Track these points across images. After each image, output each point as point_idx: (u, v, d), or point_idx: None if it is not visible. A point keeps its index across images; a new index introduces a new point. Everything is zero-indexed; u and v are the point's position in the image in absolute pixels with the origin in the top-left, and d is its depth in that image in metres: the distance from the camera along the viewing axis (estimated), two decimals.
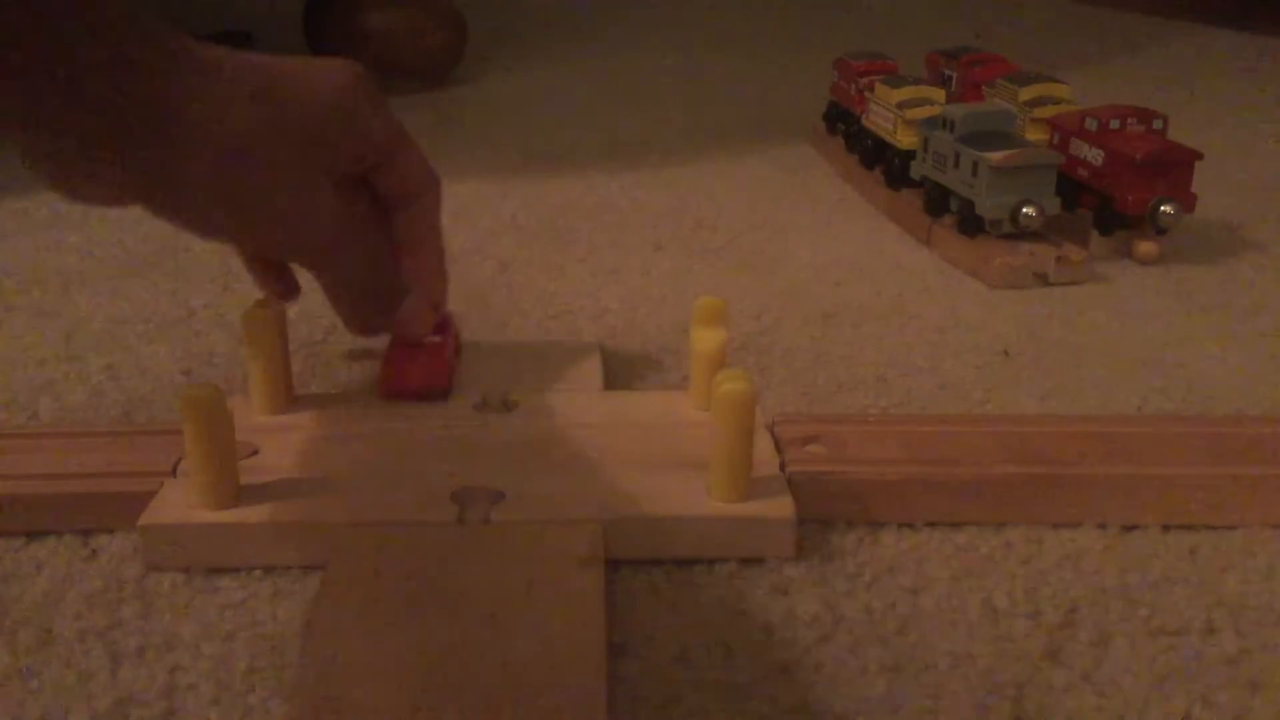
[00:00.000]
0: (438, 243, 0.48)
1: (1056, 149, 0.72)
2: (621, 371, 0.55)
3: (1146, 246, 0.70)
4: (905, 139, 0.77)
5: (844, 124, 0.89)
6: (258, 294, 0.50)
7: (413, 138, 0.46)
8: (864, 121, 0.84)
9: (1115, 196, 0.69)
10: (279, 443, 0.44)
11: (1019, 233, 0.68)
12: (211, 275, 0.66)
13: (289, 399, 0.47)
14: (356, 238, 0.45)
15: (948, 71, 0.88)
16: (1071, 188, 0.71)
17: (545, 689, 0.32)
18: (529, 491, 0.41)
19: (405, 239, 0.47)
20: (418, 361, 0.48)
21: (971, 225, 0.69)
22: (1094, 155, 0.70)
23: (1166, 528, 0.43)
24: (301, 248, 0.43)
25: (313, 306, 0.55)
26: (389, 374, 0.48)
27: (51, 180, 0.38)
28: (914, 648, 0.36)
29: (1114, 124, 0.71)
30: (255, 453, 0.43)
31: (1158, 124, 0.72)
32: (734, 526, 0.40)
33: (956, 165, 0.69)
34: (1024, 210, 0.67)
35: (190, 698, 0.34)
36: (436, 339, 0.49)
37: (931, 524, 0.43)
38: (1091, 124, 0.71)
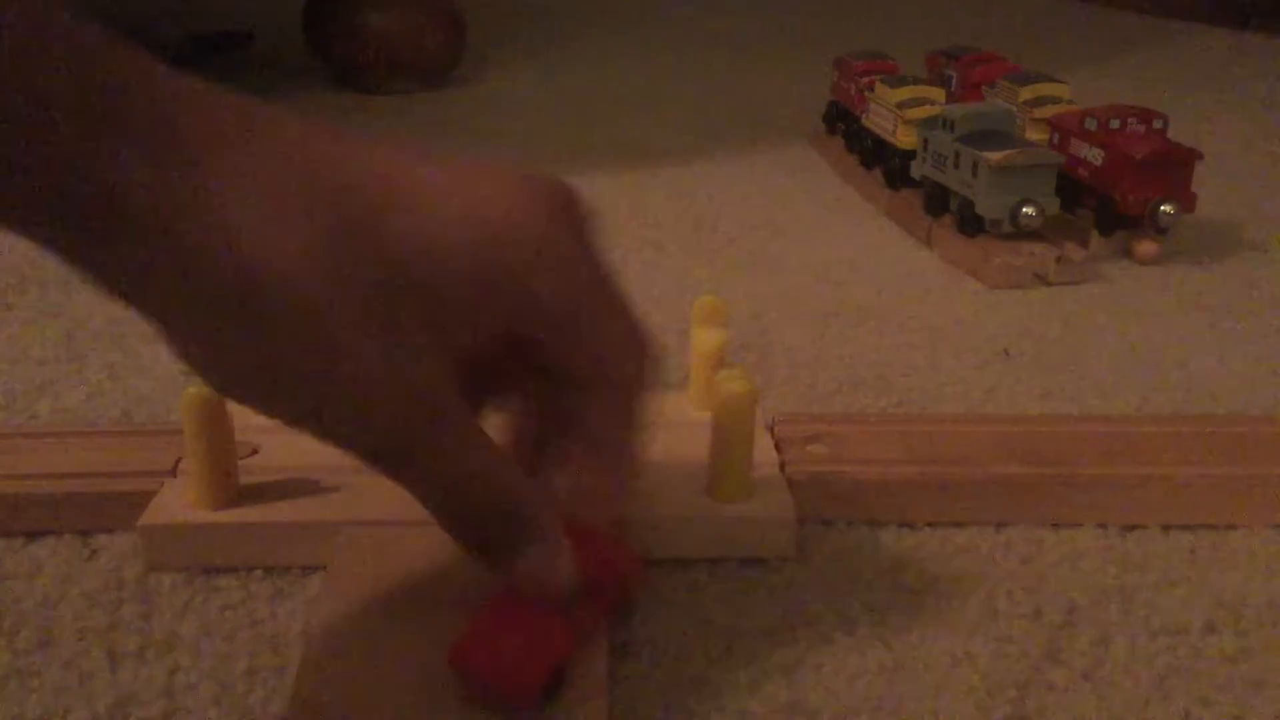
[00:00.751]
0: (626, 450, 0.33)
1: (1056, 149, 0.72)
2: None
3: (1146, 246, 0.70)
4: (905, 139, 0.77)
5: (844, 124, 0.89)
6: None
7: (623, 299, 0.31)
8: (864, 121, 0.84)
9: (1115, 196, 0.69)
10: (279, 442, 0.44)
11: (1019, 232, 0.68)
12: None
13: None
14: (463, 437, 0.30)
15: (948, 71, 0.88)
16: (1071, 187, 0.71)
17: None
18: None
19: (575, 433, 0.32)
20: (512, 640, 0.31)
21: (971, 225, 0.69)
22: (1094, 155, 0.70)
23: (1166, 528, 0.43)
24: (371, 448, 0.30)
25: None
26: (464, 639, 0.31)
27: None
28: (914, 648, 0.36)
29: (1114, 124, 0.71)
30: (255, 452, 0.43)
31: (1158, 124, 0.72)
32: (734, 526, 0.40)
33: (956, 165, 0.69)
34: (1024, 210, 0.67)
35: (190, 697, 0.34)
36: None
37: (932, 524, 0.43)
38: (1091, 124, 0.71)
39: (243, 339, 0.27)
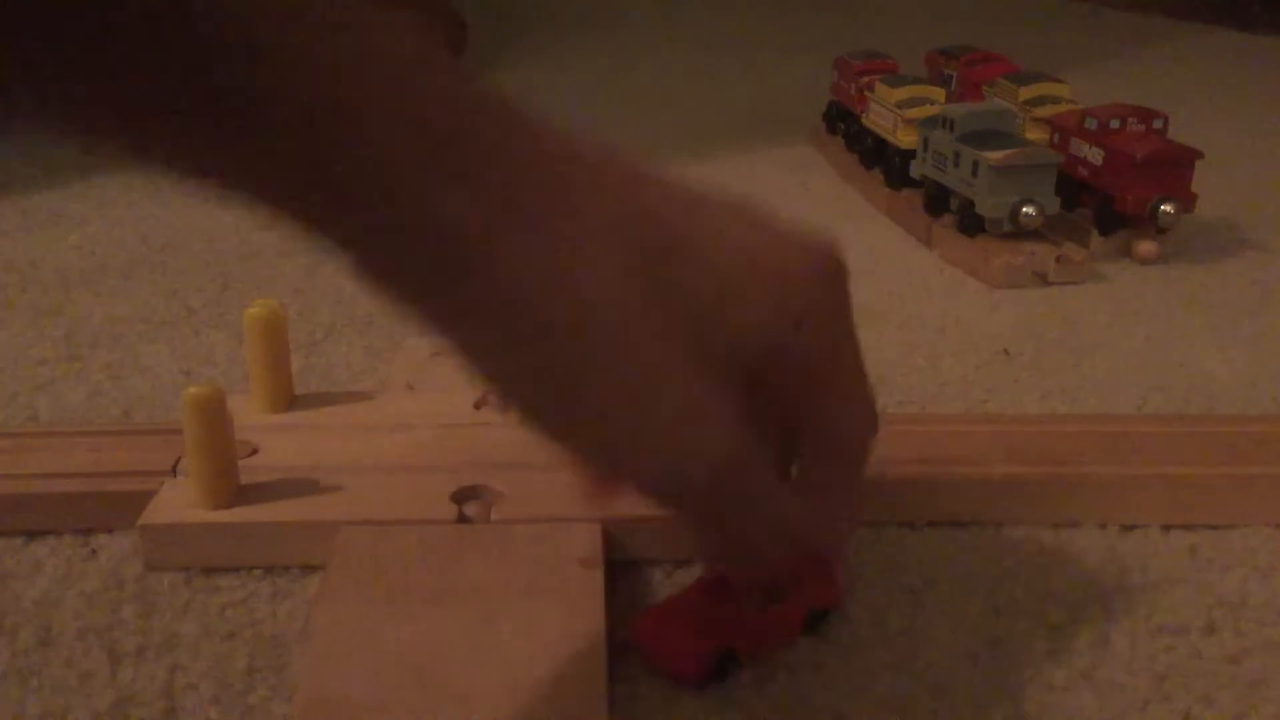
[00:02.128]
0: (842, 507, 0.34)
1: (1056, 148, 0.72)
2: None
3: (1146, 246, 0.70)
4: (905, 138, 0.77)
5: (844, 123, 0.89)
6: (257, 294, 0.50)
7: (861, 373, 0.33)
8: (864, 121, 0.84)
9: (1115, 196, 0.69)
10: (279, 442, 0.44)
11: (1019, 232, 0.68)
12: (211, 275, 0.66)
13: (289, 398, 0.47)
14: (768, 482, 0.30)
15: (948, 71, 0.88)
16: (1071, 187, 0.71)
17: (545, 689, 0.32)
18: (529, 491, 0.41)
19: (803, 478, 0.34)
20: (681, 624, 0.35)
21: (971, 225, 0.69)
22: (1094, 155, 0.70)
23: (1166, 528, 0.42)
24: (681, 473, 0.28)
25: (313, 305, 0.55)
26: (647, 615, 0.35)
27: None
28: (914, 647, 0.36)
29: (1114, 123, 0.71)
30: (255, 452, 0.43)
31: (1158, 123, 0.72)
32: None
33: (956, 165, 0.69)
34: (1024, 210, 0.67)
35: (190, 697, 0.34)
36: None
37: (932, 523, 0.43)
38: (1091, 123, 0.71)
39: (564, 367, 0.26)
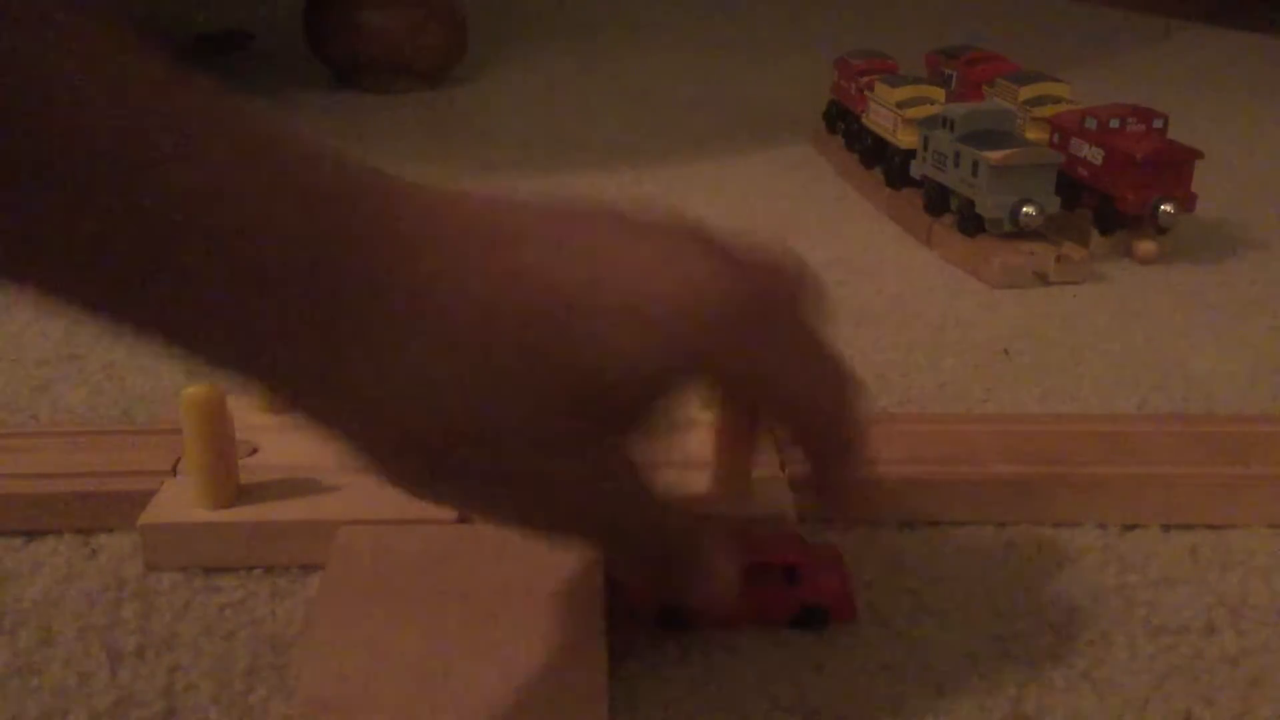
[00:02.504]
0: (845, 449, 0.33)
1: (1056, 148, 0.72)
2: None
3: (1146, 246, 0.70)
4: (905, 138, 0.77)
5: (844, 123, 0.89)
6: None
7: (818, 342, 0.32)
8: (864, 121, 0.84)
9: (1115, 196, 0.69)
10: (279, 441, 0.44)
11: (1019, 232, 0.68)
12: None
13: None
14: (645, 504, 0.31)
15: (948, 71, 0.88)
16: (1071, 187, 0.71)
17: (545, 689, 0.32)
18: None
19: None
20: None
21: (971, 224, 0.69)
22: (1094, 154, 0.70)
23: (1166, 528, 0.42)
24: (569, 534, 0.31)
25: None
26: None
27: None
28: (914, 647, 0.36)
29: (1114, 123, 0.71)
30: (255, 451, 0.43)
31: (1158, 123, 0.72)
32: (735, 526, 0.40)
33: (956, 164, 0.69)
34: (1024, 209, 0.67)
35: (190, 697, 0.34)
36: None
37: (932, 523, 0.43)
38: (1091, 123, 0.71)
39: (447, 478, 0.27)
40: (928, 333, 0.60)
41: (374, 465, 0.28)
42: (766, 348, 0.30)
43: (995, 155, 0.66)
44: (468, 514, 0.33)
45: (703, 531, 0.33)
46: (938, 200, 0.72)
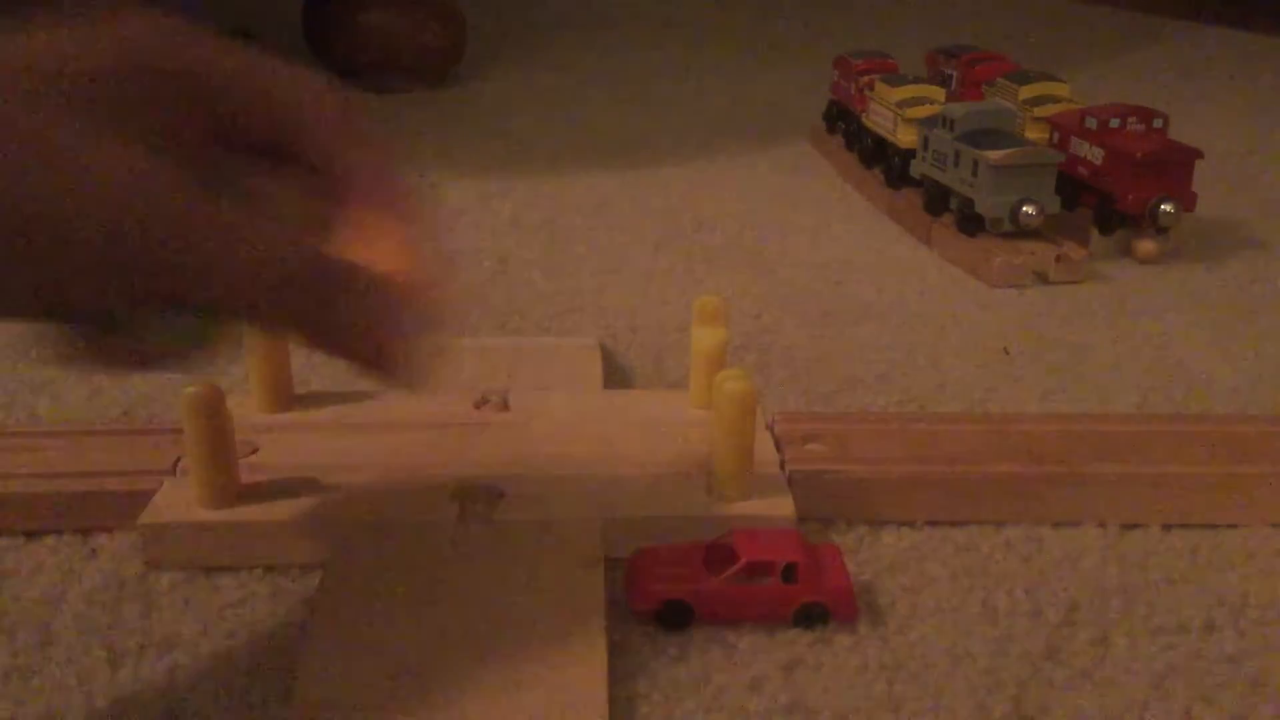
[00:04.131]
0: (362, 165, 0.33)
1: (1056, 148, 0.72)
2: (621, 371, 0.55)
3: (1146, 245, 0.70)
4: (905, 138, 0.77)
5: (844, 123, 0.89)
6: None
7: (269, 62, 0.32)
8: (864, 120, 0.84)
9: (1115, 195, 0.69)
10: (279, 441, 0.44)
11: (1019, 231, 0.68)
12: None
13: (289, 398, 0.47)
14: (220, 216, 0.28)
15: (948, 70, 0.88)
16: (1071, 186, 0.71)
17: (545, 689, 0.32)
18: (529, 491, 0.41)
19: (327, 186, 0.32)
20: (662, 569, 0.37)
21: (971, 224, 0.69)
22: (1094, 154, 0.70)
23: (1166, 527, 0.43)
24: (123, 246, 0.27)
25: None
26: (646, 551, 0.38)
27: None
28: (914, 647, 0.36)
29: (1114, 123, 0.71)
30: (255, 451, 0.43)
31: (1158, 123, 0.72)
32: (734, 526, 0.40)
33: (956, 164, 0.69)
34: (1024, 209, 0.67)
35: (190, 696, 0.34)
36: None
37: (932, 523, 0.43)
38: (1091, 123, 0.71)
39: None
40: (928, 333, 0.60)
41: None
42: (223, 52, 0.31)
43: (995, 155, 0.66)
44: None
45: (342, 264, 0.29)
46: (938, 200, 0.72)
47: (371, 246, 0.30)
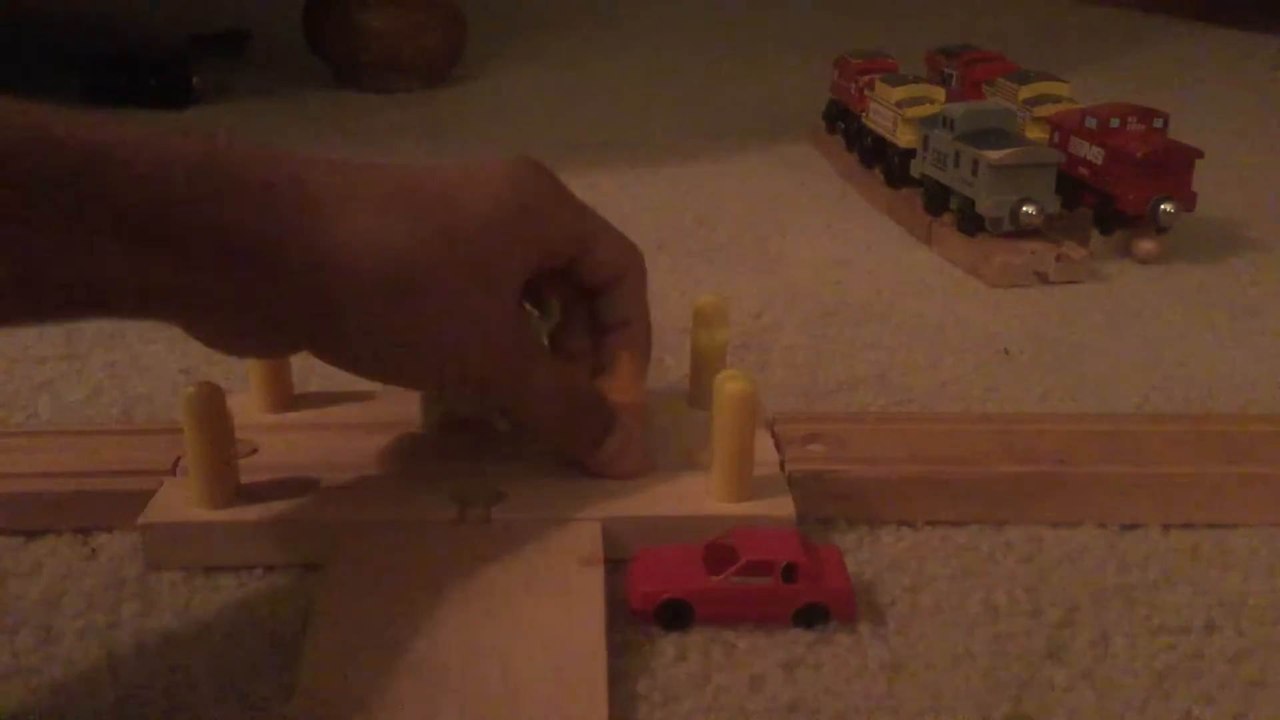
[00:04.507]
0: (644, 323, 0.43)
1: (1056, 147, 0.72)
2: None
3: (1147, 245, 0.70)
4: (905, 137, 0.77)
5: (844, 122, 0.89)
6: None
7: (605, 219, 0.42)
8: (864, 120, 0.84)
9: (1115, 195, 0.69)
10: (279, 441, 0.44)
11: (1019, 231, 0.68)
12: None
13: (289, 398, 0.47)
14: (545, 357, 0.41)
15: (948, 70, 0.88)
16: (1072, 186, 0.71)
17: (545, 688, 0.32)
18: (529, 491, 0.41)
19: (607, 321, 0.42)
20: (662, 570, 0.37)
21: (971, 224, 0.69)
22: (1094, 154, 0.70)
23: (1166, 527, 0.43)
24: (487, 378, 0.39)
25: None
26: (647, 551, 0.38)
27: (210, 344, 0.37)
28: (914, 647, 0.36)
29: (1114, 122, 0.71)
30: (255, 451, 0.43)
31: (1158, 122, 0.72)
32: (734, 526, 0.40)
33: (956, 164, 0.69)
34: (1024, 209, 0.67)
35: (190, 696, 0.34)
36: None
37: (932, 523, 0.43)
38: (1092, 122, 0.71)
39: (400, 315, 0.36)
40: (928, 331, 0.60)
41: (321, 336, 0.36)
42: (572, 210, 0.41)
43: (995, 154, 0.66)
44: (388, 377, 0.39)
45: (604, 400, 0.42)
46: (938, 200, 0.72)
47: (616, 376, 0.42)
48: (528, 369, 0.39)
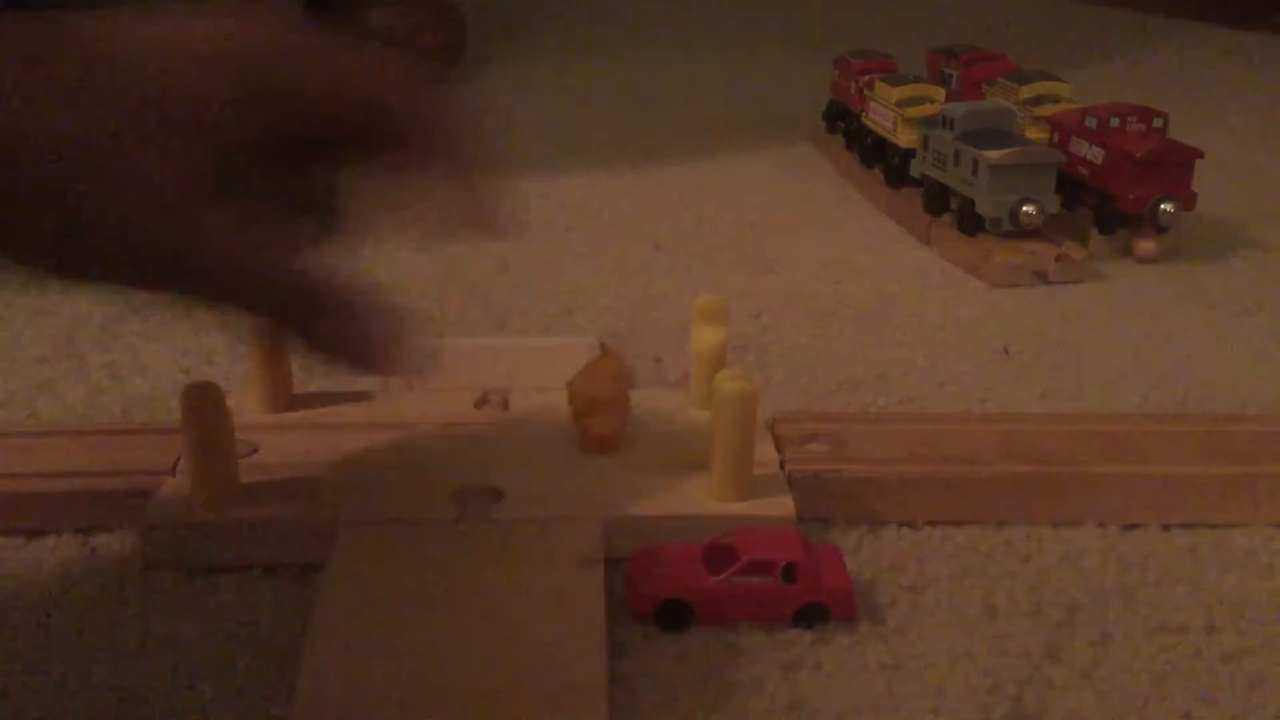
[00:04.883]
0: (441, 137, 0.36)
1: (1056, 147, 0.72)
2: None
3: (1146, 245, 0.70)
4: (905, 137, 0.77)
5: (844, 122, 0.89)
6: None
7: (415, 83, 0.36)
8: (864, 120, 0.84)
9: (1115, 195, 0.69)
10: (279, 441, 0.44)
11: (1019, 231, 0.68)
12: None
13: (289, 397, 0.47)
14: (229, 227, 0.32)
15: (948, 70, 0.88)
16: (1072, 186, 0.71)
17: (545, 689, 0.32)
18: (529, 491, 0.41)
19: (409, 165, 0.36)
20: (661, 569, 0.37)
21: (971, 224, 0.69)
22: (1094, 153, 0.70)
23: (1166, 527, 0.42)
24: (141, 245, 0.31)
25: None
26: (647, 550, 0.38)
27: None
28: (914, 647, 0.36)
29: (1114, 122, 0.71)
30: (255, 451, 0.43)
31: (1158, 122, 0.72)
32: (734, 525, 0.40)
33: (956, 163, 0.69)
34: (1024, 209, 0.67)
35: (190, 697, 0.34)
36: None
37: (932, 523, 0.43)
38: (1091, 122, 0.71)
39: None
40: (928, 332, 0.60)
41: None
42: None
43: (995, 154, 0.66)
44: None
45: (313, 278, 0.33)
46: (937, 199, 0.72)
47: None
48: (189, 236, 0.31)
